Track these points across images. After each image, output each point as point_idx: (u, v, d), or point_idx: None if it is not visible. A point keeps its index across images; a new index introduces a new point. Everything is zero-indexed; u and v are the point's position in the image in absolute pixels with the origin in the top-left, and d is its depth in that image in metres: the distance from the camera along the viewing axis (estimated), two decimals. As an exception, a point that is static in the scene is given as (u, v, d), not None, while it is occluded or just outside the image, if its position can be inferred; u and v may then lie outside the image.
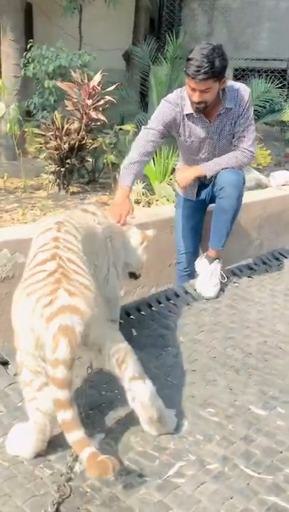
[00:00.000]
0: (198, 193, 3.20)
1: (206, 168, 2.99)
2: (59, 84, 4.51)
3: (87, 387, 1.92)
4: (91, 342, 1.53)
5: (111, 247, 2.11)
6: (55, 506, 1.34)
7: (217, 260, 2.97)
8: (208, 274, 2.92)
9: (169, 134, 3.02)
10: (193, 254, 3.29)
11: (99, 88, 4.32)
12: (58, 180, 4.68)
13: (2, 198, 4.52)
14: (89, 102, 4.19)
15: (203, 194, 3.20)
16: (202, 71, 2.60)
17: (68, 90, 4.31)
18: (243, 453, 1.64)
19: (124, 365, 1.59)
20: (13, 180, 5.16)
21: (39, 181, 5.17)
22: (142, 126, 2.98)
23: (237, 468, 1.57)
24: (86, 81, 4.36)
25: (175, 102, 2.87)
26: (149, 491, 1.45)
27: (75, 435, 1.37)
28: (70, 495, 1.40)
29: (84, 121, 4.34)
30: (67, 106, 4.47)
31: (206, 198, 3.21)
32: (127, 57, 8.38)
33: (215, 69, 2.62)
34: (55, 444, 1.61)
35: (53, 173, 4.69)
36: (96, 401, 1.86)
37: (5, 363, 2.01)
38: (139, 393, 1.59)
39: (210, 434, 1.73)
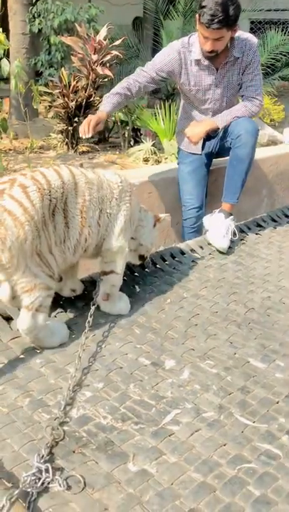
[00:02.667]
0: (202, 147, 3.15)
1: (218, 120, 2.94)
2: (63, 39, 4.40)
3: (89, 340, 1.95)
4: (6, 262, 1.66)
5: (128, 204, 2.12)
6: (49, 449, 1.38)
7: (232, 217, 2.94)
8: (223, 227, 2.87)
9: (162, 83, 3.00)
10: (200, 210, 3.26)
11: (105, 42, 4.19)
12: (66, 140, 4.63)
13: (11, 159, 4.51)
14: (94, 57, 4.08)
15: (209, 147, 3.15)
16: (216, 20, 2.54)
17: (73, 45, 4.20)
18: (240, 402, 1.66)
19: (28, 293, 1.74)
20: (23, 141, 5.13)
21: (49, 141, 5.13)
22: (138, 67, 2.97)
23: (232, 416, 1.59)
24: (93, 36, 4.23)
25: (177, 50, 2.84)
26: (144, 437, 1.48)
27: None
28: (63, 438, 1.44)
29: (91, 77, 4.24)
30: (74, 62, 4.38)
31: (213, 151, 3.16)
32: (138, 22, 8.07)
33: (229, 18, 2.56)
34: (55, 390, 1.65)
35: (61, 132, 4.64)
36: (96, 352, 1.89)
37: (8, 318, 2.04)
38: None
39: (208, 384, 1.74)
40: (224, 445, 1.47)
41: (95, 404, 1.61)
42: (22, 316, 1.79)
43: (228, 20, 2.56)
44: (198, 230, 3.25)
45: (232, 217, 2.93)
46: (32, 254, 1.72)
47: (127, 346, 1.94)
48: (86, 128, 2.73)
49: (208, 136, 3.08)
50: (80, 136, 2.75)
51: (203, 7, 2.56)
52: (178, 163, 3.38)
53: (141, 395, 1.67)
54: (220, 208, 2.96)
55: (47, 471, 1.29)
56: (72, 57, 4.32)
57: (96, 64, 4.14)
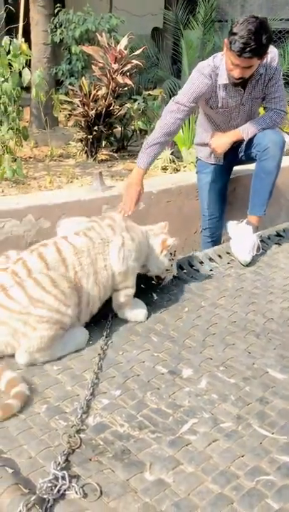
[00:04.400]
0: (224, 157, 3.15)
1: (244, 131, 2.93)
2: (84, 48, 4.45)
3: (106, 347, 1.95)
4: None
5: (125, 234, 2.10)
6: (65, 456, 1.37)
7: (258, 233, 2.94)
8: (249, 243, 2.84)
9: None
10: (220, 219, 3.25)
11: (126, 52, 4.23)
12: (85, 148, 4.67)
13: (31, 166, 4.56)
14: (115, 66, 4.11)
15: (230, 157, 3.14)
16: (248, 49, 2.49)
17: (94, 54, 4.25)
18: (258, 413, 1.63)
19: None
20: (43, 149, 5.19)
21: (69, 150, 5.18)
22: (172, 98, 2.89)
23: (250, 427, 1.57)
24: (113, 45, 4.27)
25: (208, 74, 2.79)
26: (160, 446, 1.47)
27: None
28: (80, 446, 1.44)
29: (111, 86, 4.28)
30: (94, 71, 4.42)
31: (233, 161, 3.15)
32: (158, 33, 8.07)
33: (261, 47, 2.52)
34: (72, 397, 1.65)
35: (80, 140, 4.68)
36: (114, 360, 1.88)
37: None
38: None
39: (225, 394, 1.72)
40: (242, 456, 1.45)
41: (111, 411, 1.60)
42: (20, 352, 1.79)
43: (260, 50, 2.52)
44: (217, 240, 3.24)
45: (258, 233, 2.93)
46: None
47: (144, 354, 1.93)
48: (128, 206, 2.64)
49: (231, 147, 3.08)
50: (123, 214, 2.53)
51: (235, 34, 2.50)
52: (197, 173, 3.38)
53: (158, 404, 1.66)
54: (247, 220, 2.94)
55: (63, 478, 1.28)
56: (93, 67, 4.37)
57: (116, 73, 4.18)
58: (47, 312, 1.74)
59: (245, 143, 3.00)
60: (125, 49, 4.24)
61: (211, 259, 2.84)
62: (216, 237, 3.30)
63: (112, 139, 5.14)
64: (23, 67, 3.53)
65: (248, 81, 2.80)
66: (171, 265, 2.39)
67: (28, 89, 4.82)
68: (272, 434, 1.55)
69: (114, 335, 2.05)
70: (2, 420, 1.51)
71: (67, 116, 4.98)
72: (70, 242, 1.96)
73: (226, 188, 3.31)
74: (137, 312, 2.18)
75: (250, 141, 2.96)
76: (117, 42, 4.51)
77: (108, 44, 4.30)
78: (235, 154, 3.14)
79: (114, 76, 4.21)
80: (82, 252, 1.95)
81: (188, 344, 2.03)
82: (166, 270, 2.38)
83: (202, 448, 1.47)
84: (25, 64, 3.61)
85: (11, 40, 3.36)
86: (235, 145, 3.07)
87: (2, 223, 2.71)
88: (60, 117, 5.78)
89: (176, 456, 1.44)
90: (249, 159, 3.06)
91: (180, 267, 2.69)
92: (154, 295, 2.41)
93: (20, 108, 4.24)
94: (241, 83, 2.76)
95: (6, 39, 3.42)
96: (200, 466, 1.41)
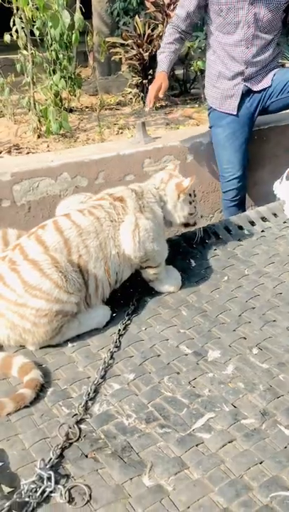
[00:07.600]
0: (240, 106, 2.74)
1: None
2: (134, -18, 4.05)
3: (130, 321, 1.79)
4: None
5: (138, 211, 1.83)
6: (60, 451, 1.26)
7: None
8: None
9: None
10: (242, 180, 2.85)
11: (179, -18, 3.77)
12: (141, 94, 4.36)
13: (85, 117, 4.37)
14: (166, 0, 3.70)
15: (251, 105, 2.72)
16: None
17: (145, -12, 3.85)
18: (288, 410, 1.41)
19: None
20: (103, 97, 4.95)
21: (127, 96, 4.90)
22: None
23: (276, 427, 1.35)
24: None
25: None
26: (167, 443, 1.31)
27: None
28: (78, 439, 1.31)
29: (165, 24, 3.88)
30: (148, 8, 4.03)
31: (256, 110, 2.73)
32: None
33: None
34: (81, 380, 1.52)
35: (136, 86, 4.37)
36: (135, 337, 1.72)
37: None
38: None
39: (254, 383, 1.51)
40: (260, 463, 1.25)
41: (121, 399, 1.45)
42: (28, 346, 1.66)
43: None
44: (241, 203, 2.85)
45: None
46: None
47: (169, 330, 1.75)
48: (149, 97, 2.70)
49: (247, 92, 2.67)
50: (146, 109, 2.89)
51: None
52: (210, 127, 2.94)
53: (174, 391, 1.48)
54: (286, 174, 2.59)
55: (49, 479, 1.17)
56: (146, 3, 3.98)
57: (170, 8, 3.77)
58: (45, 304, 1.55)
59: (268, 90, 2.60)
60: (179, -22, 3.79)
61: (263, 219, 2.53)
62: (239, 201, 2.88)
63: (174, 82, 4.77)
64: (63, 9, 3.25)
65: None
66: (195, 207, 2.03)
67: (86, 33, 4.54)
68: (301, 437, 1.32)
69: (141, 307, 1.88)
70: (13, 412, 1.39)
71: (126, 59, 4.65)
72: (74, 220, 1.70)
73: (247, 143, 2.84)
74: (168, 284, 1.97)
75: (277, 84, 2.58)
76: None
77: (161, -26, 3.87)
78: (256, 102, 2.70)
79: (168, 11, 3.80)
80: (89, 233, 1.70)
81: (222, 320, 1.81)
82: (190, 214, 2.02)
83: (214, 449, 1.29)
84: (66, 5, 3.32)
85: (46, -20, 3.08)
86: (256, 90, 2.66)
87: (36, 182, 2.57)
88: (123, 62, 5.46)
89: (183, 458, 1.27)
90: (277, 108, 2.64)
91: (226, 229, 2.42)
92: (193, 261, 2.19)
93: (71, 54, 4.00)
94: None
95: (42, -22, 3.12)
96: (208, 472, 1.23)
